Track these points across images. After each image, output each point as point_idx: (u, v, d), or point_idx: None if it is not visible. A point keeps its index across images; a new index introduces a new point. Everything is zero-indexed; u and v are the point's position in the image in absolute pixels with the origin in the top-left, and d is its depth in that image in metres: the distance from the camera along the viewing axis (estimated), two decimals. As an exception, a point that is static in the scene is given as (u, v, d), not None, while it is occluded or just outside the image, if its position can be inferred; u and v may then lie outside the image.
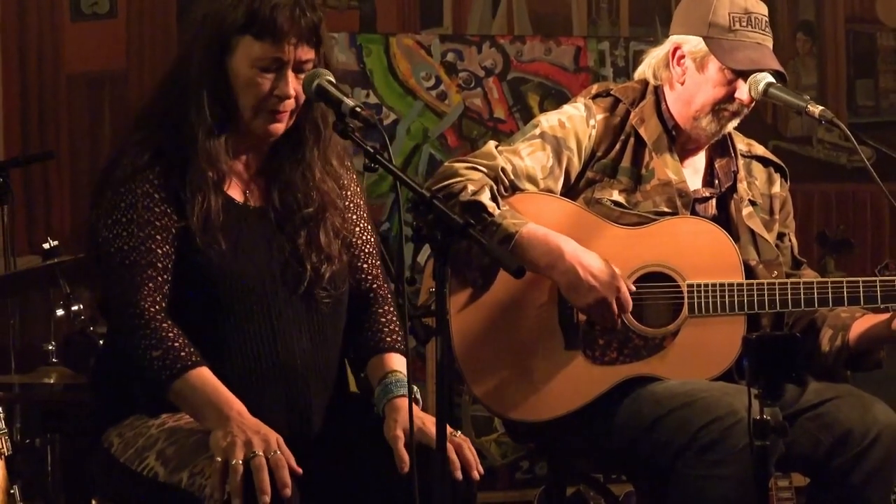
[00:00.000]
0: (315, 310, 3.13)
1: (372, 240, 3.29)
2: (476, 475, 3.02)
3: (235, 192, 3.11)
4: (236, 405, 2.92)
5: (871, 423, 3.48)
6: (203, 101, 3.03)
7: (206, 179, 3.03)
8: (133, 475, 3.00)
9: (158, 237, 3.01)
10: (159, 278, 2.99)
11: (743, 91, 3.56)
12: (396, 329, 3.23)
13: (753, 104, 3.60)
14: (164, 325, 2.96)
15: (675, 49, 3.63)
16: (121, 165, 3.04)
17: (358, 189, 3.28)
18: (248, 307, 3.06)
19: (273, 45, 3.01)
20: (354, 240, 3.23)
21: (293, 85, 3.03)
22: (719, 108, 3.59)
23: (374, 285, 3.28)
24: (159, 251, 3.00)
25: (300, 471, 2.83)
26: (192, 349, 2.96)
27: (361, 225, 3.26)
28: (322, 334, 3.15)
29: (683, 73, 3.62)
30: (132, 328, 2.97)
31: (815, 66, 6.29)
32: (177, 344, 2.95)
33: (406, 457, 2.96)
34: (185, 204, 3.02)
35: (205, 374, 2.95)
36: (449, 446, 2.96)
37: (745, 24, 3.57)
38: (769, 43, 3.60)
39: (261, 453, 2.79)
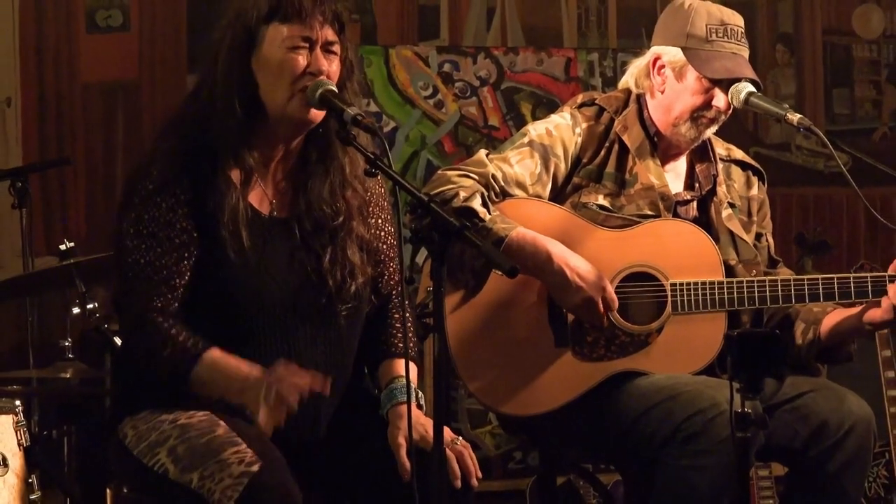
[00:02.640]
0: (332, 323, 3.10)
1: (394, 244, 3.25)
2: (475, 482, 3.02)
3: (262, 204, 3.07)
4: (255, 370, 2.93)
5: (846, 415, 3.48)
6: (232, 97, 2.99)
7: (233, 185, 3.00)
8: (144, 469, 2.99)
9: (175, 254, 2.98)
10: (169, 295, 2.98)
11: (720, 99, 3.55)
12: (410, 335, 3.20)
13: (731, 111, 3.60)
14: (171, 329, 2.96)
15: (656, 59, 3.62)
16: (150, 176, 3.00)
17: (382, 190, 3.24)
18: (264, 324, 3.04)
19: (301, 25, 2.98)
20: (379, 244, 3.20)
21: (325, 62, 3.00)
22: (697, 115, 3.58)
23: (394, 292, 3.26)
24: (175, 268, 2.98)
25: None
26: (196, 338, 2.96)
27: (386, 229, 3.23)
28: (338, 346, 3.12)
29: (663, 82, 3.61)
30: (141, 339, 2.98)
31: (794, 76, 6.28)
32: (181, 338, 2.95)
33: (408, 464, 2.97)
34: (213, 214, 2.98)
35: (215, 354, 2.95)
36: (450, 454, 2.97)
37: (721, 35, 3.56)
38: (745, 53, 3.59)
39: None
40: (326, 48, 3.02)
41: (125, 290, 3.02)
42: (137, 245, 2.99)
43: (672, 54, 3.59)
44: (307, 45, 3.00)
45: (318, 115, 3.02)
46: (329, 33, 3.02)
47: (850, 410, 3.49)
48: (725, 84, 3.55)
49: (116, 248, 3.05)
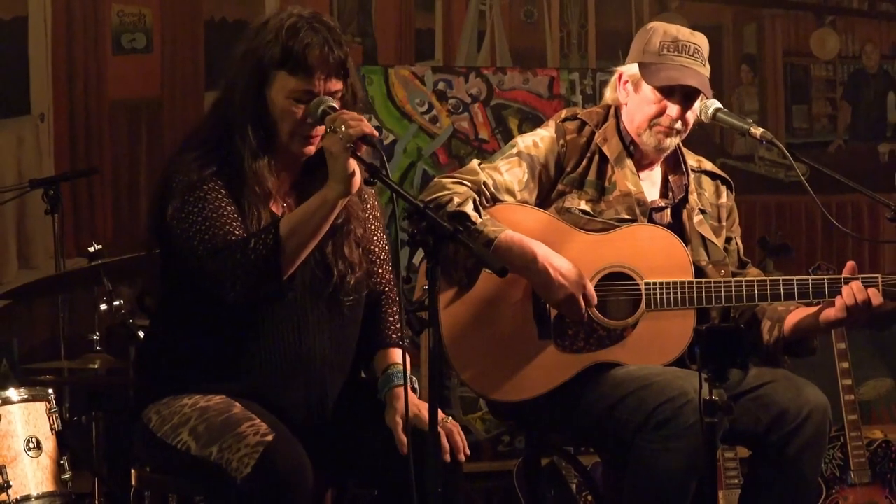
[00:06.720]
0: (338, 312, 3.12)
1: (386, 248, 3.28)
2: (462, 457, 3.04)
3: (275, 207, 3.08)
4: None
5: (803, 404, 3.47)
6: (247, 129, 3.00)
7: (257, 196, 3.01)
8: (168, 448, 3.00)
9: (230, 208, 2.96)
10: (234, 224, 2.95)
11: (672, 108, 3.55)
12: (401, 327, 3.23)
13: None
14: (243, 234, 2.93)
15: (620, 75, 3.64)
16: (182, 175, 2.98)
17: (376, 203, 3.27)
18: (278, 310, 3.05)
19: (305, 80, 2.98)
20: (373, 247, 3.22)
21: None
22: (654, 124, 3.57)
23: (386, 288, 3.29)
24: (234, 222, 2.95)
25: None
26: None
27: (378, 235, 3.25)
28: (342, 333, 3.14)
29: (627, 95, 3.62)
30: (225, 256, 2.91)
31: (757, 94, 6.28)
32: (252, 232, 2.93)
33: (405, 440, 2.98)
34: (242, 215, 2.98)
35: (284, 216, 2.97)
36: (441, 431, 2.98)
37: (672, 50, 3.56)
38: (698, 67, 3.55)
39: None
40: (329, 96, 3.02)
41: (208, 267, 2.94)
42: (193, 221, 2.95)
43: (632, 70, 3.60)
44: (310, 96, 3.00)
45: (312, 150, 3.04)
46: (333, 85, 3.01)
47: (807, 399, 3.49)
48: (678, 95, 3.54)
49: (174, 244, 3.00)
